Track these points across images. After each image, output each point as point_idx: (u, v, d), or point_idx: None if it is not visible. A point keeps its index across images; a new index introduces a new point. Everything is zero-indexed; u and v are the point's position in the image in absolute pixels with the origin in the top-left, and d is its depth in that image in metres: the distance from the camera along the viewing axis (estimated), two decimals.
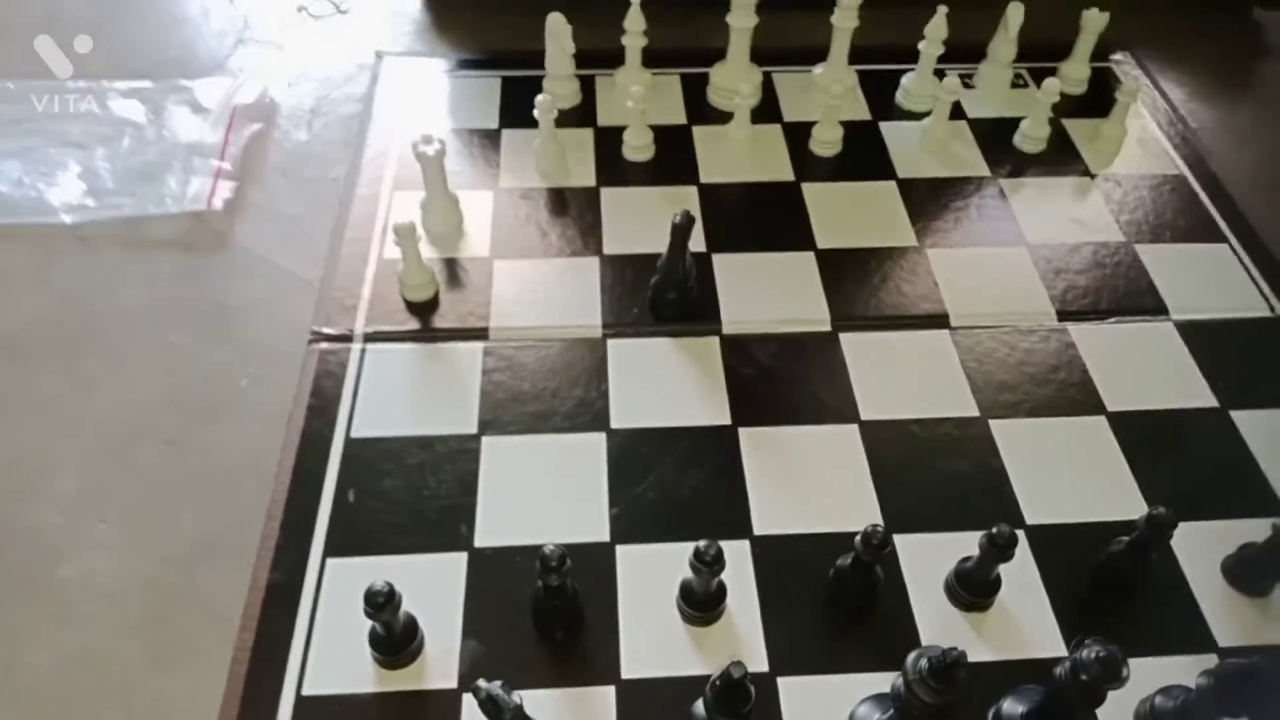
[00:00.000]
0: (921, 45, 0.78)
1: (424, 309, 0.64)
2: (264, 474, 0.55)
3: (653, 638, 0.49)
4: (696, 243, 0.64)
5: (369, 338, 0.63)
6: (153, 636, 0.50)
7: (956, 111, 0.78)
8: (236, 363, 0.63)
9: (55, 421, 0.59)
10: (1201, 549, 0.53)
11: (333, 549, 0.52)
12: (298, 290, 0.67)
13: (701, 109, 0.80)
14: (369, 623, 0.46)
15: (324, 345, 0.62)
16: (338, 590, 0.50)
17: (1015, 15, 0.78)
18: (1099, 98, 0.82)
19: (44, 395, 0.60)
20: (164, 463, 0.57)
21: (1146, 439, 0.58)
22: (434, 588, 0.50)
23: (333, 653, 0.48)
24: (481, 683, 0.40)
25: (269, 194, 0.74)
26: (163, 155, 0.74)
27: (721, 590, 0.49)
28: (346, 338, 0.63)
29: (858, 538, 0.48)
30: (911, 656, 0.40)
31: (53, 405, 0.60)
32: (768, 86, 0.81)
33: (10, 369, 0.62)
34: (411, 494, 0.55)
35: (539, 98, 0.71)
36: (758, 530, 0.53)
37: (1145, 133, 0.80)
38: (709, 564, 0.46)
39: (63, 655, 0.49)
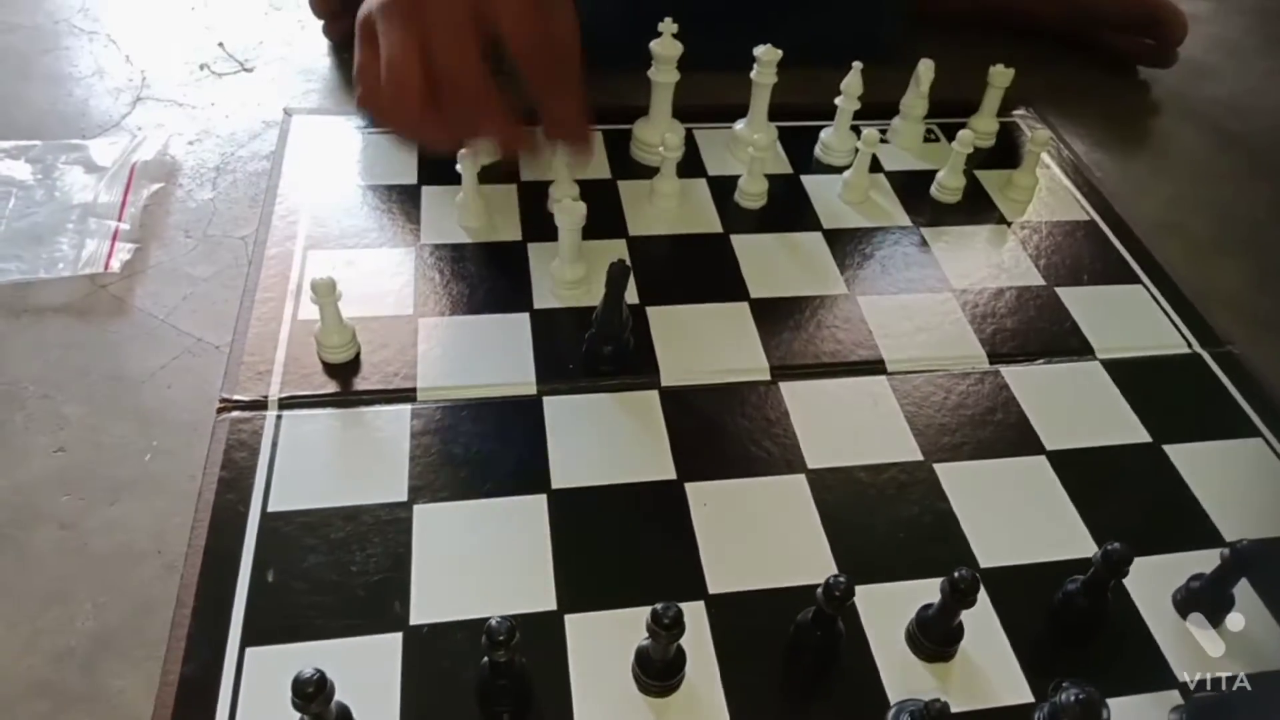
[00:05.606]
0: (838, 100, 0.79)
1: (344, 371, 0.61)
2: (172, 556, 0.51)
3: (609, 713, 0.46)
4: (629, 295, 0.63)
5: (284, 404, 0.59)
6: None
7: (874, 165, 0.80)
8: (138, 436, 0.58)
9: None
10: (1152, 584, 0.53)
11: (252, 636, 0.47)
12: (205, 357, 0.63)
13: (625, 165, 0.80)
14: (297, 716, 0.42)
15: (235, 414, 0.58)
16: (260, 682, 0.46)
17: (926, 71, 0.80)
18: (1006, 150, 0.85)
19: None
20: (59, 549, 0.52)
21: (1087, 476, 0.59)
22: (367, 672, 0.46)
23: None
24: None
25: (172, 255, 0.69)
26: (53, 216, 0.69)
27: (681, 656, 0.47)
28: (260, 404, 0.58)
29: (819, 590, 0.46)
30: (891, 712, 0.38)
31: None
32: (689, 142, 0.81)
33: None
34: (338, 571, 0.50)
35: (461, 152, 0.69)
36: (712, 589, 0.51)
37: (1054, 182, 0.83)
38: (668, 627, 0.43)
39: None
